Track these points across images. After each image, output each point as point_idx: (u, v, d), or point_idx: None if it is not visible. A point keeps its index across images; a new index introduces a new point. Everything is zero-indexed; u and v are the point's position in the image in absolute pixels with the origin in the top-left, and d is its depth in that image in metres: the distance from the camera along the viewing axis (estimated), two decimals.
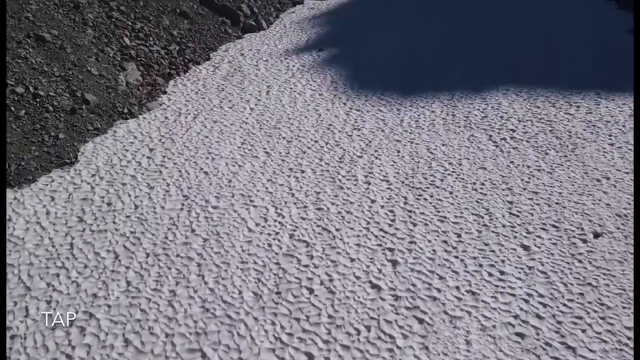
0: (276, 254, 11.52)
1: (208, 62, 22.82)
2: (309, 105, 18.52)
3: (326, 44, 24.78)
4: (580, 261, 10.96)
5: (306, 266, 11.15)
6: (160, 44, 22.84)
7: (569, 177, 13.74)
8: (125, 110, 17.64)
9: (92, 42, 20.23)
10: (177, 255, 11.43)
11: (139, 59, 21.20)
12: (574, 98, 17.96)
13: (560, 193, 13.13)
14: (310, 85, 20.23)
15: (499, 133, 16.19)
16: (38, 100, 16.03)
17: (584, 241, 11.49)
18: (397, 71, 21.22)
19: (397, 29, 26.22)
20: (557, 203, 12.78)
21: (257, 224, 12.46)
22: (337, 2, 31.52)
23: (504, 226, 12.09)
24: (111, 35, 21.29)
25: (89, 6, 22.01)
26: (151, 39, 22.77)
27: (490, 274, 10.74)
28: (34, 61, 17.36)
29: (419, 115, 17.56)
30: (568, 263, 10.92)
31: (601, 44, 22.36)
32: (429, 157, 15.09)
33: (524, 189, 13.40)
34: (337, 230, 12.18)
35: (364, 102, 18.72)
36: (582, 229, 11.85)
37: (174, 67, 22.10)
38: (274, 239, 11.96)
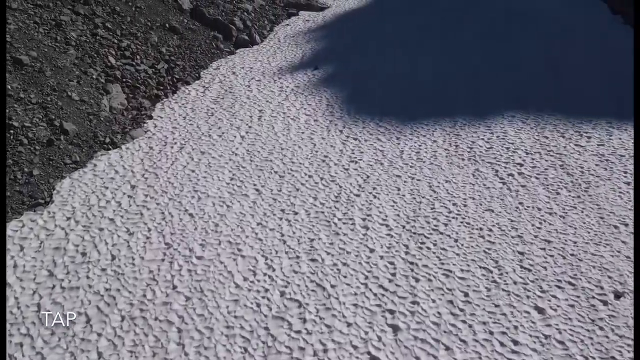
0: (265, 316, 10.44)
1: (198, 82, 21.73)
2: (303, 133, 17.45)
3: (322, 61, 23.73)
4: (601, 328, 9.91)
5: (298, 332, 10.07)
6: (147, 62, 21.73)
7: (584, 223, 12.69)
8: (107, 140, 16.52)
9: (74, 64, 19.11)
10: (156, 319, 10.33)
11: (124, 80, 20.10)
12: (584, 127, 16.93)
13: (575, 242, 12.08)
14: (305, 109, 19.16)
15: (505, 167, 15.14)
16: (12, 132, 14.93)
17: (605, 303, 10.44)
18: (396, 93, 20.17)
19: (397, 45, 25.15)
20: (572, 254, 11.73)
21: (245, 279, 11.37)
22: (333, 15, 30.45)
23: (515, 283, 11.03)
24: (95, 55, 20.18)
25: (72, 24, 20.91)
26: (138, 57, 21.66)
27: (502, 344, 9.68)
28: (9, 87, 16.23)
29: (419, 146, 16.50)
30: (588, 330, 9.87)
31: (608, 66, 21.34)
32: (431, 196, 14.03)
33: (535, 236, 12.34)
34: (332, 286, 11.10)
35: (362, 129, 17.66)
36: (602, 288, 10.80)
37: (161, 87, 21.00)
38: (264, 298, 10.87)
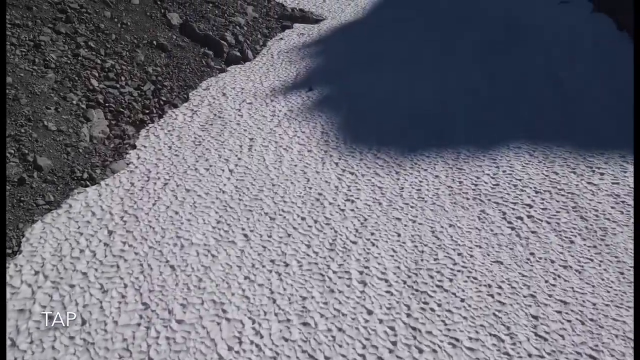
0: None
1: (186, 105, 20.55)
2: (296, 165, 16.31)
3: (317, 81, 22.58)
4: None
5: None
6: (132, 84, 20.52)
7: (602, 280, 11.59)
8: (85, 176, 15.33)
9: (52, 89, 17.91)
10: None
11: (107, 104, 18.90)
12: (596, 162, 15.84)
13: (595, 304, 10.98)
14: (298, 137, 18.02)
15: (513, 209, 14.04)
16: None
17: None
18: (395, 116, 19.05)
19: (394, 61, 23.99)
20: (591, 319, 10.63)
21: (229, 348, 10.24)
22: (328, 28, 29.29)
23: (530, 355, 9.93)
24: (76, 78, 18.97)
25: (52, 44, 19.70)
26: (123, 78, 20.47)
27: None
28: None
29: (420, 182, 15.39)
30: None
31: (614, 87, 20.23)
32: (434, 243, 12.92)
33: (550, 295, 11.24)
34: (326, 359, 9.96)
35: (359, 161, 16.53)
36: None
37: (147, 111, 19.81)
38: None
